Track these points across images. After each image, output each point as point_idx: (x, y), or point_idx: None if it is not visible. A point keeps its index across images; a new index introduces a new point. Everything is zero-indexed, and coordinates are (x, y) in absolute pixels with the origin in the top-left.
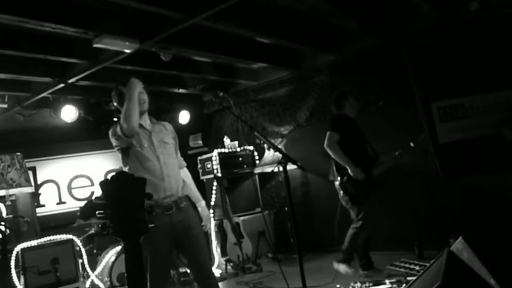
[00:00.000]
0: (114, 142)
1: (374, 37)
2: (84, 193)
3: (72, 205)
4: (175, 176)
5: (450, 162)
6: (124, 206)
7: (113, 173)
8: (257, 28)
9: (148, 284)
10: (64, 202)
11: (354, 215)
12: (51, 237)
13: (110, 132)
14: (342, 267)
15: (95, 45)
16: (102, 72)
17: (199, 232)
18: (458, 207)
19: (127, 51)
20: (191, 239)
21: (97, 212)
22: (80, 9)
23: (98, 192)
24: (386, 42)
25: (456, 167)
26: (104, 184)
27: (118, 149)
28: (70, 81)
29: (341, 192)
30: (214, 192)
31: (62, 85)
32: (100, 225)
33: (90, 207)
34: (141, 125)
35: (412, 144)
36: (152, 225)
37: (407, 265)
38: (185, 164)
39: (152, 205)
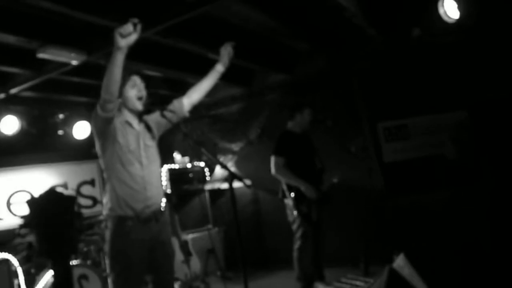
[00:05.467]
0: (92, 123)
1: (323, 59)
2: (24, 209)
3: (11, 222)
4: (157, 184)
5: (395, 180)
6: (50, 226)
7: (42, 192)
8: (208, 44)
9: None
10: (1, 219)
11: (294, 233)
12: None
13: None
14: None
15: (39, 55)
16: (46, 83)
17: (172, 251)
18: (403, 223)
19: (74, 62)
20: (164, 257)
21: (21, 231)
22: (23, 17)
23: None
24: (334, 64)
25: (401, 185)
26: (31, 203)
27: (97, 139)
28: (12, 91)
29: (294, 212)
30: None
31: (3, 95)
32: (26, 245)
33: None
34: (129, 123)
35: (353, 149)
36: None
37: (352, 282)
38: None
39: (129, 216)
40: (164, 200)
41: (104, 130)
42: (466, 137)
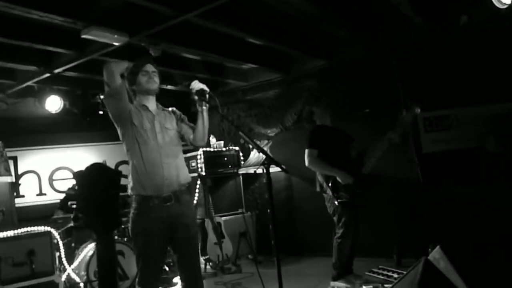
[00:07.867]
0: (107, 110)
1: (364, 46)
2: (65, 185)
3: (53, 197)
4: (176, 164)
5: (433, 172)
6: (96, 198)
7: (89, 164)
8: (248, 28)
9: (138, 279)
10: (45, 194)
11: (336, 222)
12: (28, 229)
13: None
14: (339, 284)
15: (83, 36)
16: (89, 63)
17: (196, 232)
18: (438, 216)
19: (116, 44)
20: (188, 238)
21: (69, 203)
22: None
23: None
24: (375, 51)
25: (438, 177)
26: (78, 175)
27: (115, 124)
28: (56, 71)
29: (335, 201)
30: (197, 191)
31: (47, 74)
32: (72, 217)
33: (69, 199)
34: (145, 107)
35: (391, 136)
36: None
37: (385, 272)
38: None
39: (150, 195)
40: (187, 182)
41: (118, 114)
42: (511, 130)
